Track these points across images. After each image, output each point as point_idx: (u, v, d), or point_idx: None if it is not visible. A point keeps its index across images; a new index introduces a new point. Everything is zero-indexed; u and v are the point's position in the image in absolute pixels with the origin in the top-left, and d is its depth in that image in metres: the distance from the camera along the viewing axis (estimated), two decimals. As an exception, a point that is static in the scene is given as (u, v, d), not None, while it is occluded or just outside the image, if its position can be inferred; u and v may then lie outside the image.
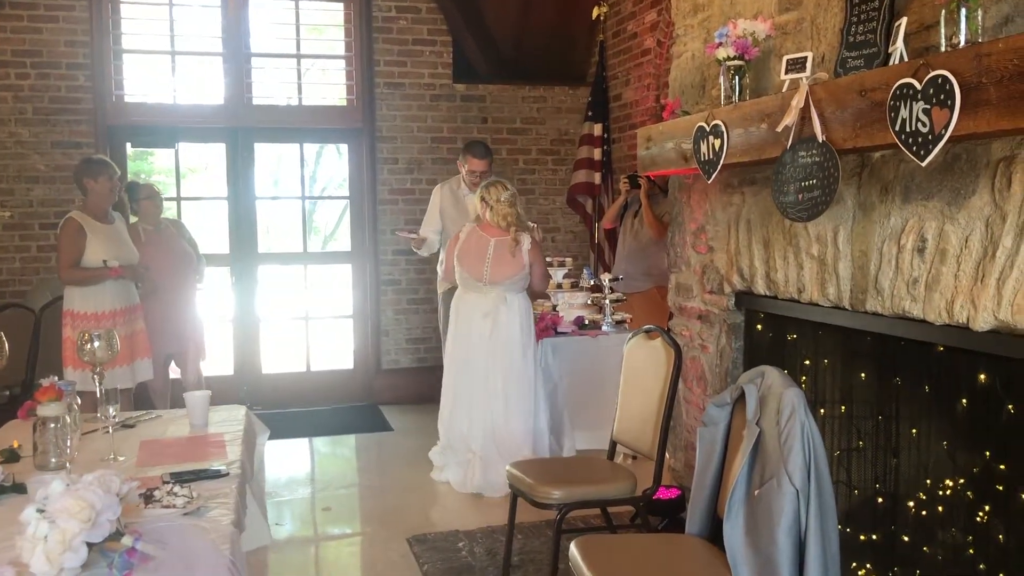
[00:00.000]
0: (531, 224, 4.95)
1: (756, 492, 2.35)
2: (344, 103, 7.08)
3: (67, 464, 2.61)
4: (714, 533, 2.58)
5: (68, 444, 2.64)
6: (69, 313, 4.82)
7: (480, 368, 4.77)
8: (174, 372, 5.67)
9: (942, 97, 2.07)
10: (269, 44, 6.98)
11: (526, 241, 4.71)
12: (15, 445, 2.78)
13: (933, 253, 2.46)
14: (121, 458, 2.81)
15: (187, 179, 7.35)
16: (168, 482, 2.38)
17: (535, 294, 5.04)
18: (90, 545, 1.81)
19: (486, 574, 3.67)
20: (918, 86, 2.15)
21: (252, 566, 3.63)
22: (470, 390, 4.79)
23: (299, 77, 7.12)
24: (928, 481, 2.70)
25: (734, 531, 2.37)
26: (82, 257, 4.76)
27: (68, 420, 2.64)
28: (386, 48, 6.97)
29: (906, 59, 2.36)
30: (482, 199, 4.77)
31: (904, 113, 2.20)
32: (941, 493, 2.64)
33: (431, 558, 3.83)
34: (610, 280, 5.45)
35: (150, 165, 8.34)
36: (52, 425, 2.60)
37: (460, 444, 4.83)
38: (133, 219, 5.44)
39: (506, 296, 4.76)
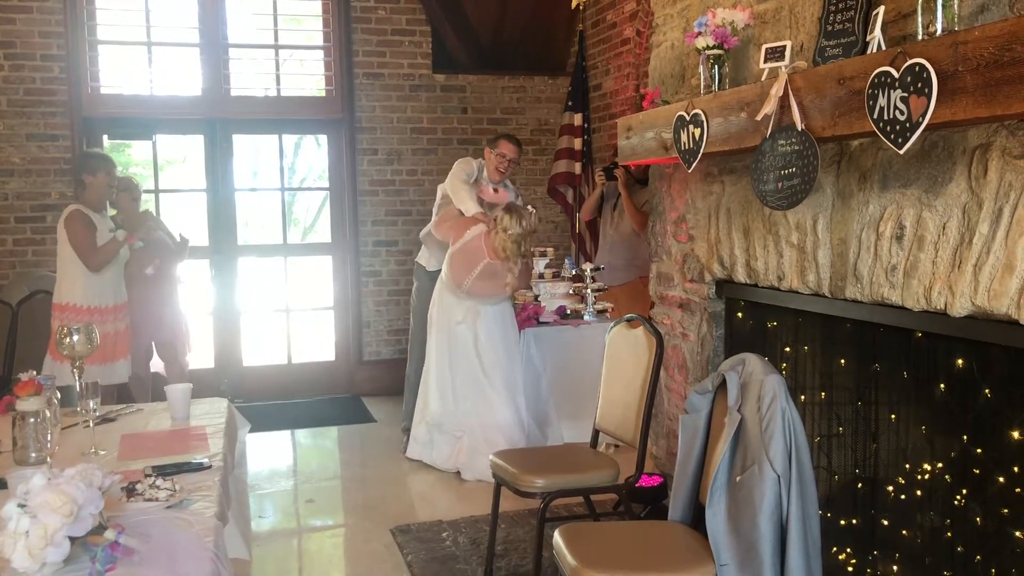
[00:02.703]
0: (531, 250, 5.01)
1: (738, 478, 2.37)
2: (323, 94, 7.04)
3: (48, 459, 2.59)
4: (696, 519, 2.61)
5: (48, 438, 2.62)
6: (70, 307, 4.79)
7: (466, 365, 4.84)
8: (157, 366, 5.62)
9: (919, 85, 2.09)
10: (247, 35, 6.92)
11: (513, 274, 4.74)
12: (-6, 440, 2.75)
13: (911, 240, 2.48)
14: (102, 452, 2.78)
15: (165, 171, 7.28)
16: (150, 475, 2.36)
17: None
18: (72, 539, 1.80)
19: (470, 563, 3.68)
20: (896, 74, 2.17)
21: (235, 560, 3.63)
22: (461, 380, 4.85)
23: (277, 68, 7.06)
24: (907, 466, 2.73)
25: (716, 517, 2.39)
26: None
27: (48, 414, 2.62)
28: (364, 38, 6.94)
29: (884, 48, 2.38)
30: (497, 217, 4.74)
31: (882, 101, 2.22)
32: (919, 477, 2.67)
33: (415, 548, 3.84)
34: (591, 270, 5.46)
35: (127, 157, 8.24)
36: (32, 420, 2.57)
37: (450, 423, 4.88)
38: (111, 212, 5.39)
39: (480, 309, 4.81)
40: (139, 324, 5.23)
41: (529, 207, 4.93)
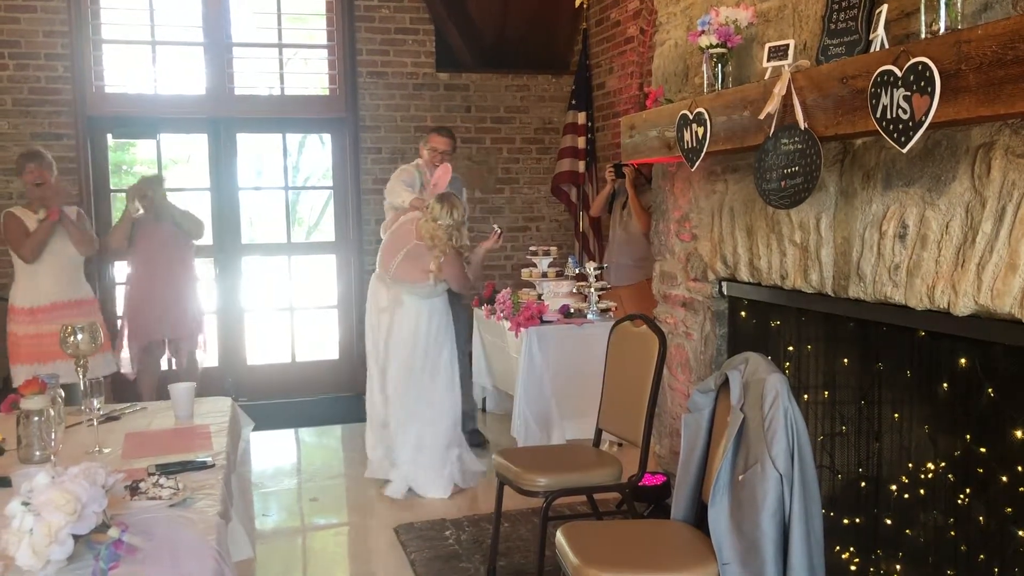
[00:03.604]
0: (471, 244, 4.83)
1: (740, 477, 2.37)
2: (327, 92, 7.05)
3: (52, 457, 2.60)
4: (699, 518, 2.61)
5: (52, 437, 2.62)
6: (11, 308, 4.85)
7: (379, 365, 4.71)
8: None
9: (922, 84, 2.09)
10: (251, 34, 6.93)
11: (438, 261, 4.54)
12: (-1, 439, 2.76)
13: (914, 239, 2.48)
14: (106, 450, 2.79)
15: (169, 170, 7.28)
16: (154, 474, 2.37)
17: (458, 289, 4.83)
18: (76, 537, 1.81)
19: (473, 562, 3.68)
20: (899, 73, 2.16)
21: (240, 563, 3.64)
22: (377, 371, 4.74)
23: (281, 67, 7.07)
24: (910, 465, 2.73)
25: (719, 516, 2.39)
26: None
27: (52, 413, 2.63)
28: (368, 37, 6.94)
29: (887, 46, 2.37)
30: (428, 205, 4.62)
31: (885, 100, 2.21)
32: (923, 476, 2.67)
33: (418, 546, 3.85)
34: (595, 269, 5.46)
35: (132, 156, 8.26)
36: (36, 418, 2.58)
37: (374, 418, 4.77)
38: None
39: (403, 298, 4.62)
40: (139, 321, 5.24)
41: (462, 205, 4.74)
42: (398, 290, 4.64)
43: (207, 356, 5.91)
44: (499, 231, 5.09)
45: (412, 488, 4.59)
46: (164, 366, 5.67)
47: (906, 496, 2.74)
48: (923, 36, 2.19)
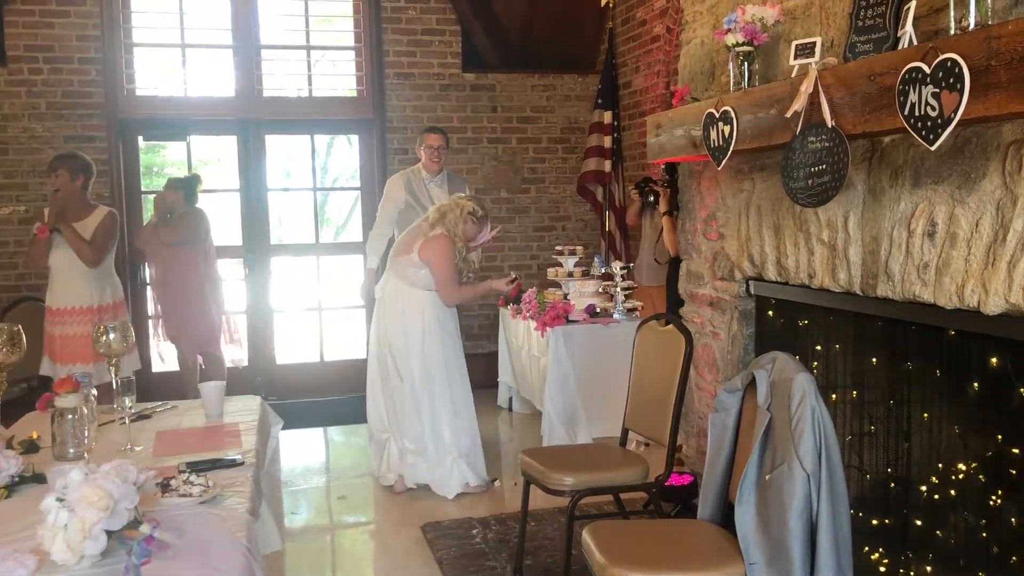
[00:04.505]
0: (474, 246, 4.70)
1: (767, 477, 2.37)
2: (354, 94, 7.10)
3: (85, 454, 2.64)
4: (726, 518, 2.60)
5: (86, 435, 2.67)
6: (46, 309, 4.98)
7: (379, 361, 4.72)
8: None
9: (951, 81, 2.07)
10: (279, 36, 6.99)
11: (432, 232, 4.48)
12: (34, 436, 2.81)
13: (943, 237, 2.46)
14: (138, 448, 2.84)
15: (199, 172, 7.37)
16: (184, 471, 2.40)
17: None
18: (109, 533, 1.84)
19: (499, 560, 3.69)
20: (927, 70, 2.14)
21: (269, 555, 3.68)
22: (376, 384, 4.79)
23: (309, 68, 7.12)
24: (940, 465, 2.70)
25: (745, 515, 2.39)
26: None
27: (85, 411, 2.68)
28: (395, 38, 6.98)
29: (915, 43, 2.35)
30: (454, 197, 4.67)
31: (913, 97, 2.19)
32: (953, 477, 2.64)
33: (445, 545, 3.86)
34: (621, 268, 5.44)
35: (163, 158, 8.36)
36: (70, 416, 2.63)
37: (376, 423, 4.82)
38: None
39: (399, 284, 4.56)
40: (162, 318, 5.47)
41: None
42: (397, 272, 4.61)
43: (237, 352, 6.01)
44: (518, 280, 4.78)
45: (428, 484, 4.60)
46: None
47: (936, 497, 2.72)
48: (952, 32, 2.17)
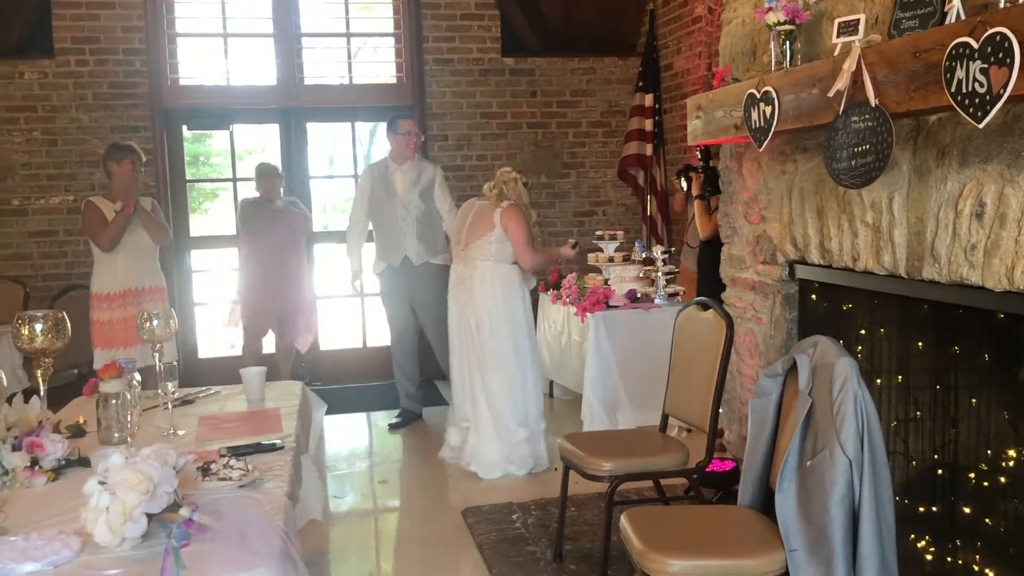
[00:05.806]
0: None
1: (808, 463, 2.33)
2: (394, 81, 7.11)
3: (128, 439, 2.69)
4: (766, 504, 2.56)
5: (129, 419, 2.72)
6: (92, 296, 5.05)
7: (455, 342, 4.72)
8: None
9: (1000, 55, 2.00)
10: (319, 24, 7.03)
11: (503, 204, 4.56)
12: (81, 421, 2.88)
13: (992, 218, 2.38)
14: (180, 432, 2.89)
15: (244, 160, 7.46)
16: (225, 455, 2.44)
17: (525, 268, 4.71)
18: (150, 516, 1.87)
19: (539, 545, 3.70)
20: (975, 45, 2.07)
21: (313, 538, 3.73)
22: (456, 358, 4.76)
23: (349, 56, 7.15)
24: (989, 452, 2.63)
25: (786, 502, 2.35)
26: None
27: (128, 396, 2.72)
28: (434, 24, 6.97)
29: (963, 17, 2.28)
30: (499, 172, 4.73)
31: (960, 74, 2.13)
32: (1003, 464, 2.58)
33: (485, 529, 3.88)
34: (662, 252, 5.39)
35: (207, 147, 8.48)
36: (113, 401, 2.69)
37: (459, 412, 4.79)
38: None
39: (477, 264, 4.59)
40: (249, 301, 5.87)
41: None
42: (472, 257, 4.63)
43: (268, 341, 6.19)
44: (577, 243, 5.01)
45: (479, 464, 4.61)
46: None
47: (985, 484, 2.65)
48: (1002, 5, 2.10)
